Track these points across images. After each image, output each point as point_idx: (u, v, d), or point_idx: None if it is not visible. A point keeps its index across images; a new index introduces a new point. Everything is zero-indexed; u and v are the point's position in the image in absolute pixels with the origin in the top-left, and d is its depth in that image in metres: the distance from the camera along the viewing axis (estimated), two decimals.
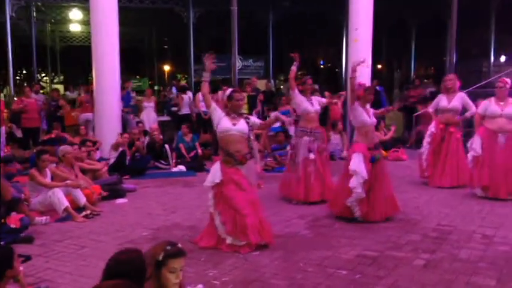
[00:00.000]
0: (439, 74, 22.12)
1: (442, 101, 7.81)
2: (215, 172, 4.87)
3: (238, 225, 4.72)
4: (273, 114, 7.63)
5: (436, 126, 7.78)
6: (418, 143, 11.38)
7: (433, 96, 12.37)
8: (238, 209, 4.73)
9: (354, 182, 5.51)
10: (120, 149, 9.00)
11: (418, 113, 11.96)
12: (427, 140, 7.85)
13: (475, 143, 6.89)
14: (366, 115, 5.72)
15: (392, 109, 7.16)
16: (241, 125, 4.87)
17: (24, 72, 28.87)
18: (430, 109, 8.06)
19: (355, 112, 5.72)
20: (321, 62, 31.89)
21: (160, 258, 2.51)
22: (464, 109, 7.82)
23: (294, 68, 6.78)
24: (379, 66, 21.52)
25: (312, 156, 6.67)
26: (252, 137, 4.93)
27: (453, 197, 7.02)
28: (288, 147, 7.94)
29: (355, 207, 5.63)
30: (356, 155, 5.61)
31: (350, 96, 5.72)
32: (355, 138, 5.85)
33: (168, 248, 2.54)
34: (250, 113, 9.40)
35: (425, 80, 19.24)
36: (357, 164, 5.53)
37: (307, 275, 4.17)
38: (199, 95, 12.29)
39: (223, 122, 4.86)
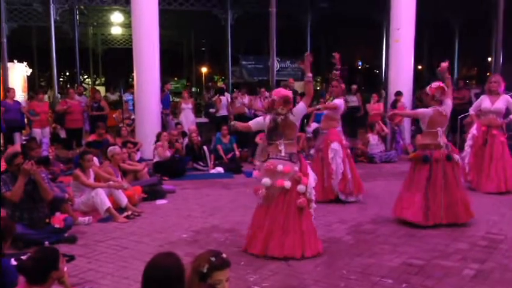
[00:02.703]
0: (482, 75, 21.36)
1: (484, 102, 7.55)
2: None
3: None
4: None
5: (478, 129, 7.53)
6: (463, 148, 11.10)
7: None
8: None
9: None
10: (168, 153, 9.15)
11: (463, 115, 11.54)
12: (468, 143, 7.61)
13: None
14: None
15: None
16: None
17: (67, 74, 29.75)
18: (472, 111, 7.79)
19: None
20: (359, 63, 31.50)
21: (205, 270, 2.43)
22: (508, 112, 7.53)
23: (336, 72, 6.87)
24: (420, 67, 21.00)
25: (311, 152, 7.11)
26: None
27: (501, 203, 6.72)
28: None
29: None
30: None
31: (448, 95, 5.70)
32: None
33: (213, 259, 2.45)
34: None
35: (467, 81, 18.62)
36: None
37: (351, 283, 4.05)
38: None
39: None
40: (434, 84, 5.69)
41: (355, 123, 13.23)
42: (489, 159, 7.38)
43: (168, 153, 9.22)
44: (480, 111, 7.63)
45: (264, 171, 4.73)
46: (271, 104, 4.77)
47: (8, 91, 10.68)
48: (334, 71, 6.85)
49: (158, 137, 9.43)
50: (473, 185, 7.47)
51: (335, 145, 6.84)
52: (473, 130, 7.60)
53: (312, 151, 7.35)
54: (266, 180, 4.65)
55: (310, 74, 4.79)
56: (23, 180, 5.00)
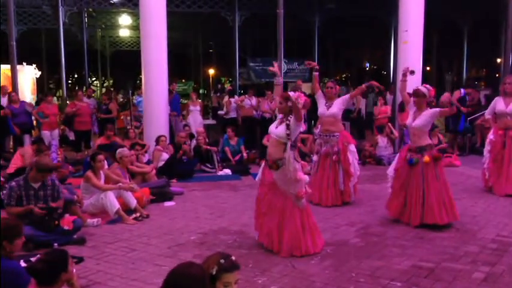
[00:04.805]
0: (491, 76, 21.19)
1: (499, 104, 7.40)
2: (259, 172, 5.09)
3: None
4: None
5: (495, 133, 7.39)
6: (472, 150, 11.03)
7: (489, 100, 11.87)
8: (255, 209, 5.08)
9: None
10: (166, 154, 9.11)
11: (472, 117, 11.46)
12: (487, 148, 7.49)
13: None
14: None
15: None
16: (280, 128, 4.78)
17: (75, 76, 29.91)
18: (487, 115, 7.68)
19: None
20: (367, 64, 31.45)
21: (214, 272, 2.42)
22: None
23: (316, 73, 6.99)
24: (428, 68, 20.89)
25: (314, 158, 7.06)
26: (288, 144, 4.70)
27: None
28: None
29: None
30: None
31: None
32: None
33: (222, 261, 2.44)
34: None
35: (476, 83, 18.52)
36: None
37: (360, 285, 4.03)
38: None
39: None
40: (429, 87, 5.79)
41: (361, 124, 13.19)
42: (508, 161, 7.25)
43: (166, 155, 9.19)
44: (495, 114, 7.49)
45: (302, 171, 4.84)
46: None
47: (9, 95, 10.67)
48: (314, 72, 7.00)
49: (157, 141, 9.44)
50: (494, 190, 7.33)
51: (353, 147, 6.93)
52: (490, 135, 7.48)
53: (315, 156, 7.11)
54: (307, 178, 4.89)
55: (281, 79, 5.25)
56: (23, 212, 5.07)
